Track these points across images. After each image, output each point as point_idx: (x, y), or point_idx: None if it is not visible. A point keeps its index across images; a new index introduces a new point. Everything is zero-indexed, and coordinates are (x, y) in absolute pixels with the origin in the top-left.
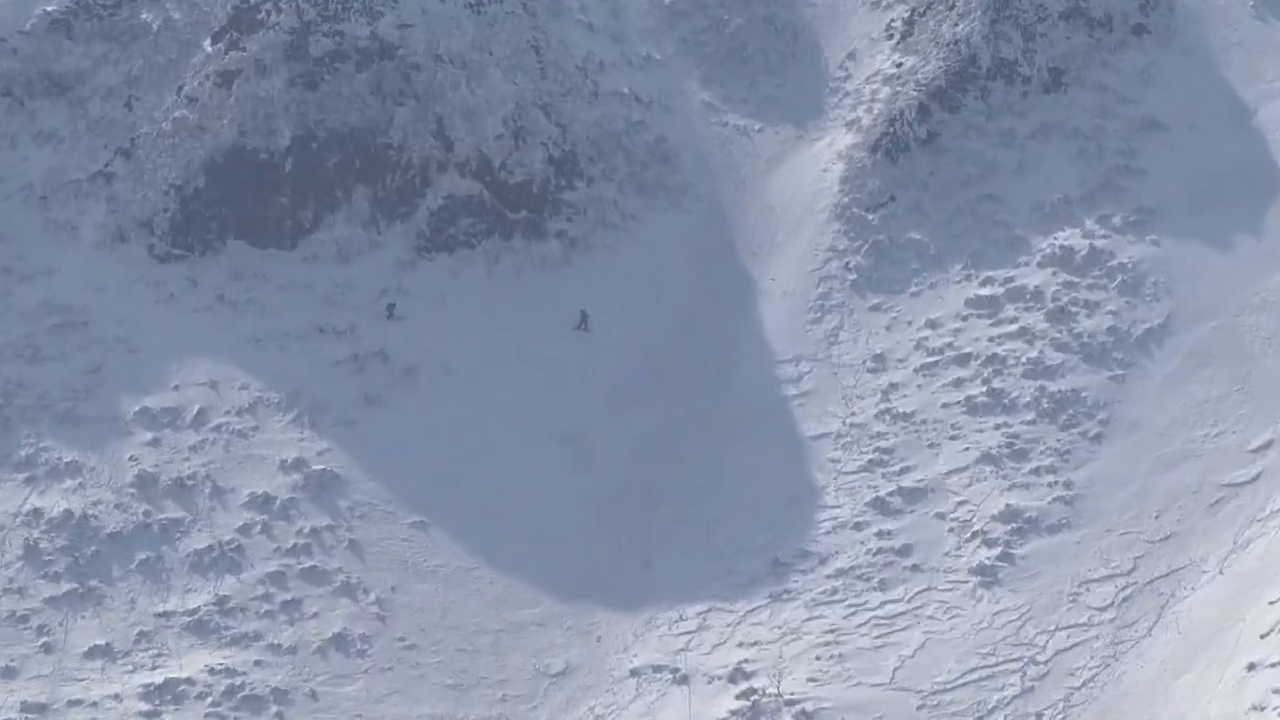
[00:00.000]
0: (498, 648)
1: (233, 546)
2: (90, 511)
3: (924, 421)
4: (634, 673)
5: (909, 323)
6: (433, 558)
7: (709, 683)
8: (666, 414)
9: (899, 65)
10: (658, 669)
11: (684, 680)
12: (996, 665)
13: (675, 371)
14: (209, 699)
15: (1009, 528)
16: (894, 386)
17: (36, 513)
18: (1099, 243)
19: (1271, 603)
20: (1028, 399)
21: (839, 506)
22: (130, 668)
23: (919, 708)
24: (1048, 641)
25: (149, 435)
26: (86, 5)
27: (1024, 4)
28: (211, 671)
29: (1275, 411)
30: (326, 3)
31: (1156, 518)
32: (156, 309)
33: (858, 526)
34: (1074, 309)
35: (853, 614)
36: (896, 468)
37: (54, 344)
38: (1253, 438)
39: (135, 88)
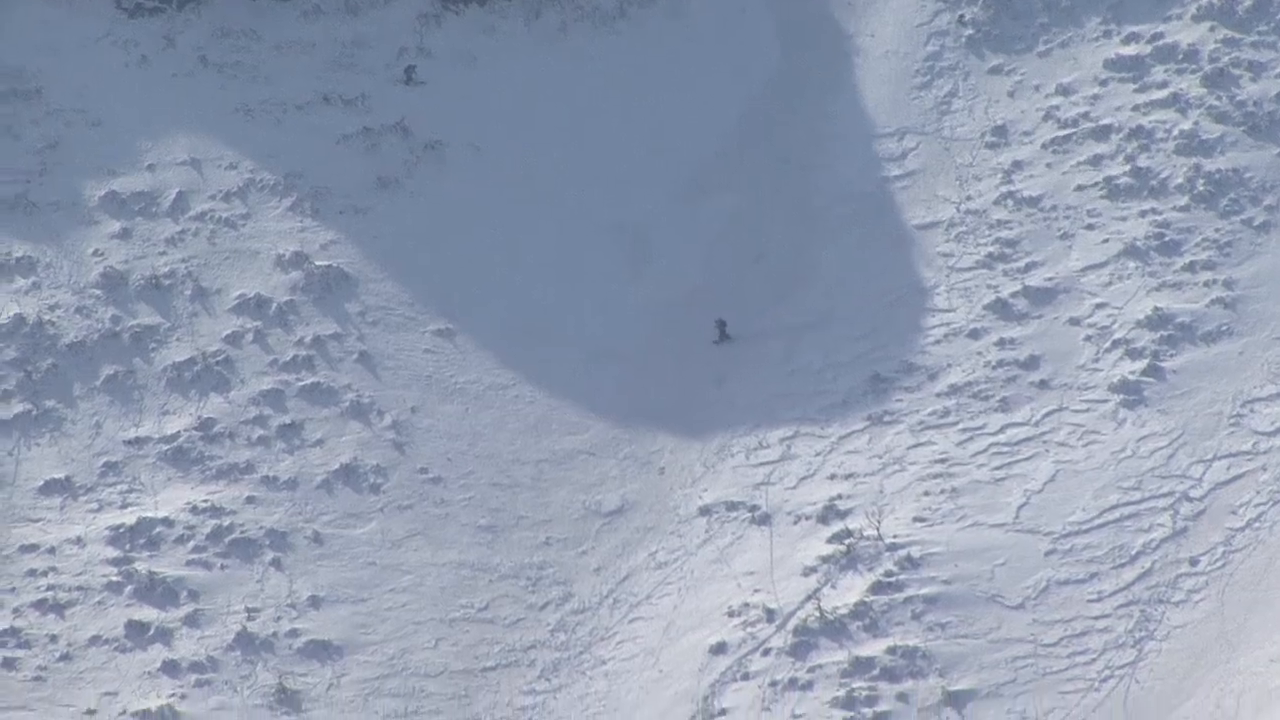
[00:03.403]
0: (539, 481)
1: (219, 359)
2: (46, 317)
3: (1054, 208)
4: (704, 511)
5: (1036, 88)
6: (460, 373)
7: (794, 523)
8: (743, 202)
9: None
10: (732, 507)
11: (764, 520)
12: (1142, 502)
13: (754, 151)
14: (190, 543)
15: (1157, 335)
16: (1018, 165)
17: None
18: None
19: None
20: (1180, 180)
21: (951, 310)
22: (95, 506)
23: (1048, 553)
24: (1204, 473)
25: (117, 225)
26: None
27: None
28: (194, 510)
29: None
30: None
31: None
32: (125, 73)
33: (974, 334)
34: (1236, 71)
35: (968, 440)
36: (1021, 263)
37: (1, 117)
38: None
39: None
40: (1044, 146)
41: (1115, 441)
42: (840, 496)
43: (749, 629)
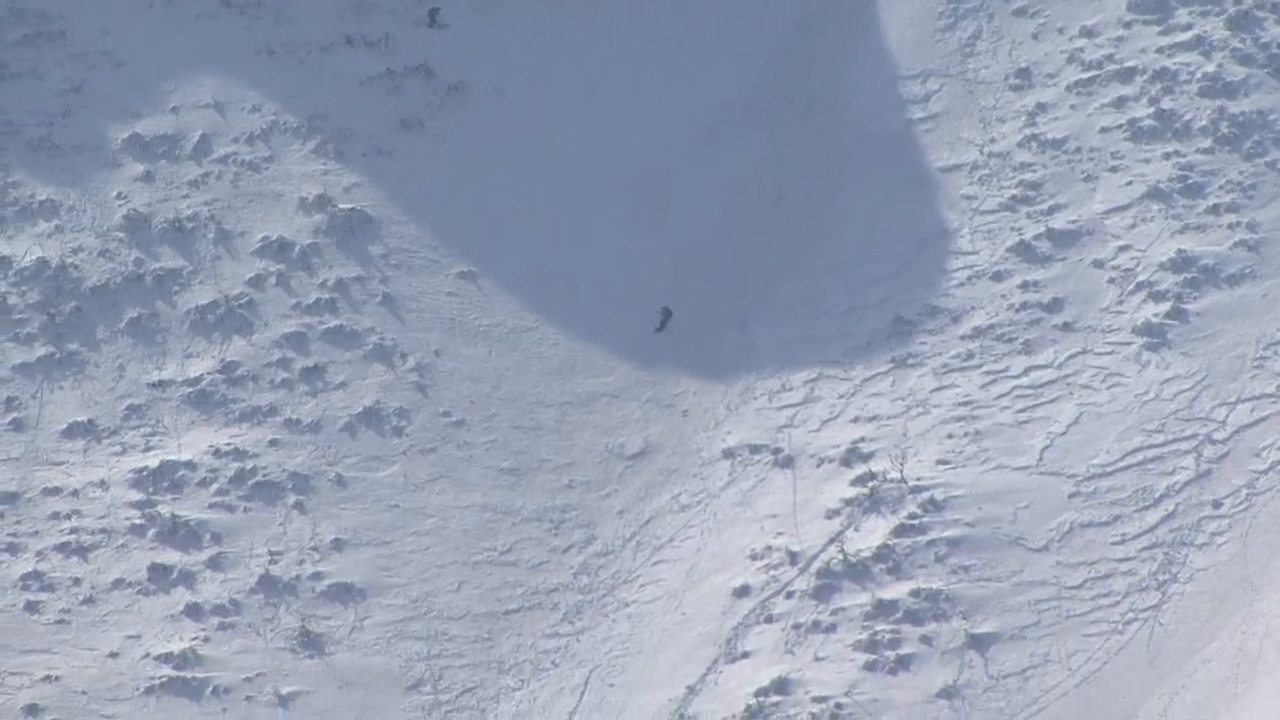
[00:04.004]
0: (562, 424)
1: (242, 302)
2: (70, 260)
3: (1078, 150)
4: (727, 454)
5: (1060, 30)
6: (484, 315)
7: (818, 465)
8: (766, 146)
9: None
10: (755, 449)
11: (787, 463)
12: (1165, 444)
13: (777, 94)
14: (213, 486)
15: (1181, 278)
16: (1042, 107)
17: (4, 261)
18: None
19: None
20: (1204, 122)
21: (975, 253)
22: (118, 449)
23: (1071, 495)
24: (1228, 415)
25: (140, 168)
26: None
27: None
28: (217, 453)
29: None
30: None
31: None
32: (149, 15)
33: (998, 277)
34: (1260, 13)
35: (991, 382)
36: (1045, 205)
37: (24, 59)
38: None
39: None
40: (1068, 89)
41: (1139, 384)
42: (863, 439)
43: (772, 572)
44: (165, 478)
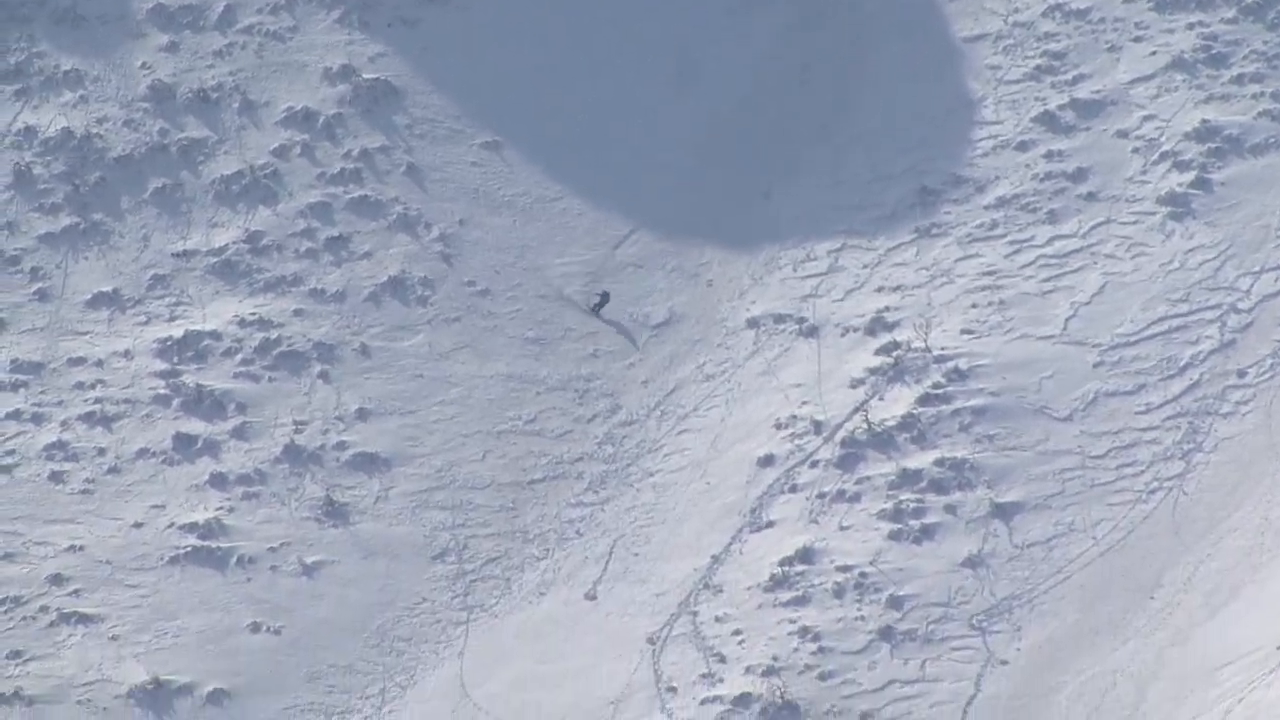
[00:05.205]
0: (588, 294)
1: (267, 172)
2: (94, 130)
3: (1102, 20)
4: (751, 323)
5: None
6: (508, 185)
7: (842, 335)
8: (790, 16)
9: None
10: (780, 319)
11: (812, 332)
12: (1190, 313)
13: None
14: (238, 356)
15: (1205, 148)
16: None
17: (29, 132)
18: None
19: None
20: None
21: (999, 122)
22: (143, 319)
23: (1096, 364)
24: (1252, 285)
25: (165, 38)
26: None
27: None
28: (241, 323)
29: None
30: None
31: None
32: None
33: (1022, 146)
34: None
35: (1016, 252)
36: (1069, 75)
37: None
38: None
39: None
40: None
41: (1163, 254)
42: (888, 309)
43: (796, 441)
44: (190, 347)
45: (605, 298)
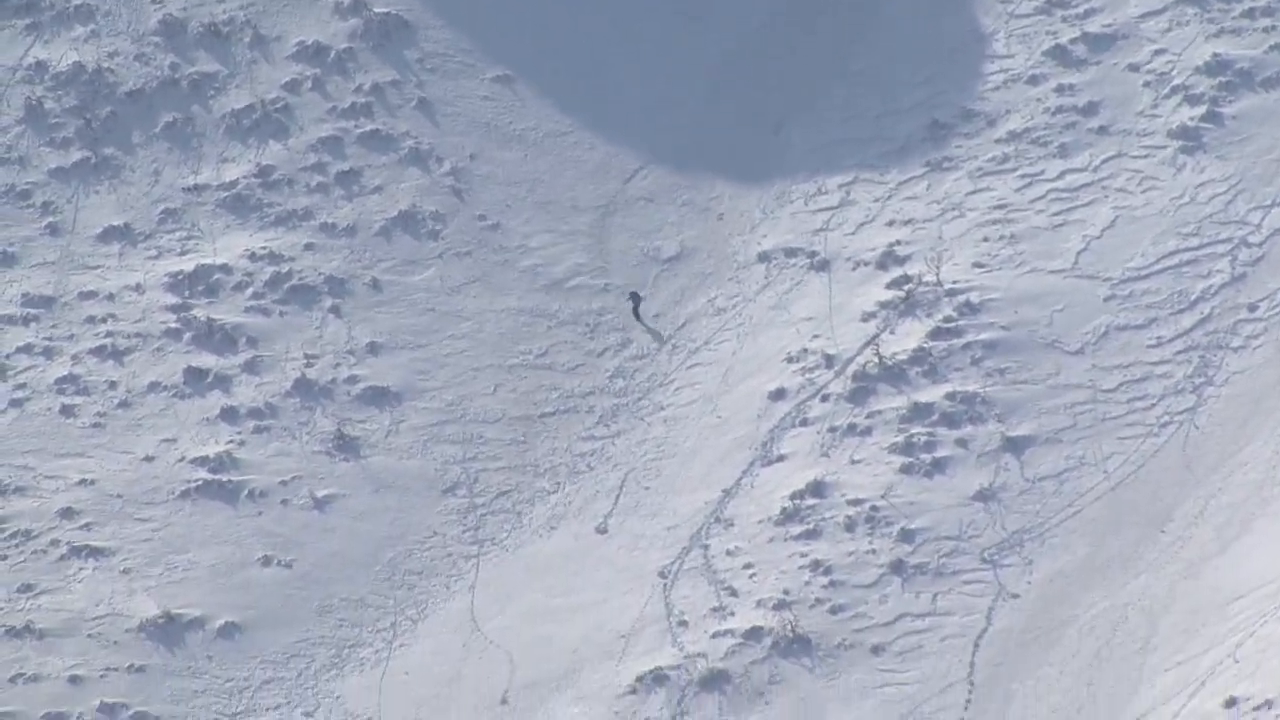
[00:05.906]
0: (598, 228)
1: (278, 106)
2: (105, 64)
3: None
4: (762, 257)
5: None
6: (519, 119)
7: (853, 268)
8: None
9: None
10: (791, 252)
11: (823, 266)
12: (1201, 247)
13: None
14: (249, 290)
15: (1216, 81)
16: None
17: (40, 66)
18: None
19: None
20: None
21: (1010, 56)
22: (154, 253)
23: (1107, 298)
24: (1263, 219)
25: None
26: None
27: None
28: (252, 257)
29: None
30: None
31: None
32: None
33: (1033, 80)
34: None
35: (1027, 185)
36: (1080, 9)
37: None
38: None
39: None
40: None
41: (1174, 187)
42: (899, 242)
43: (808, 375)
44: (201, 281)
45: (637, 299)
